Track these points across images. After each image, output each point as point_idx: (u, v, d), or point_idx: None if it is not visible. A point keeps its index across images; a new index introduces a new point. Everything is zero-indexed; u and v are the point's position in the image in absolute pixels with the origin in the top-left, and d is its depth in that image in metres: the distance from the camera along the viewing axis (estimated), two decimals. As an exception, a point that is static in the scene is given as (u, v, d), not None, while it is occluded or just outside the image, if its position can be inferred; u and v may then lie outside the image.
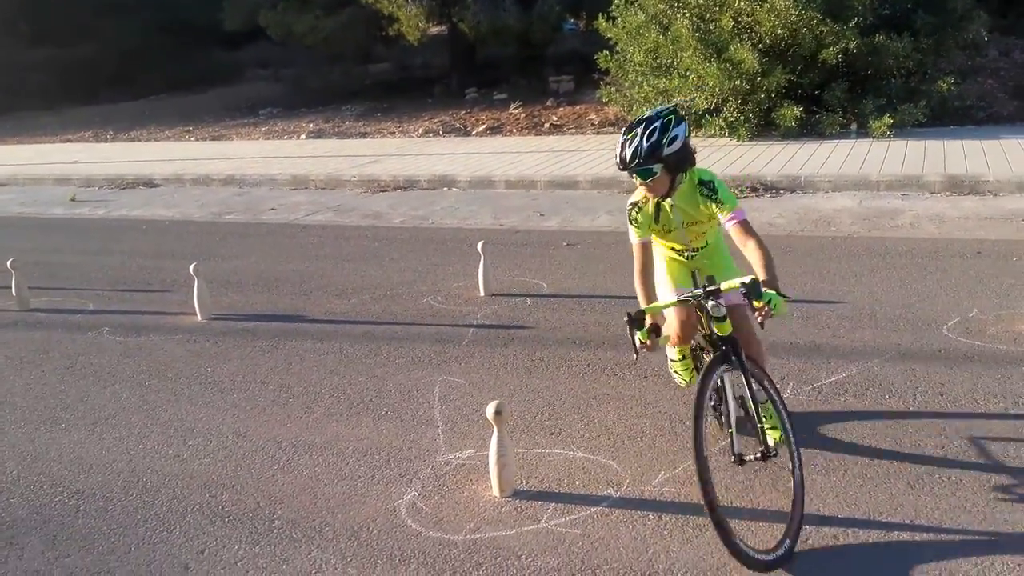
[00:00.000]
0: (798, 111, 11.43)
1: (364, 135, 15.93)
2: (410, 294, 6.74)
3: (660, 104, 12.20)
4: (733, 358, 3.37)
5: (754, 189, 9.48)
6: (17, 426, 4.79)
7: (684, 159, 3.50)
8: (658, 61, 12.39)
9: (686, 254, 3.88)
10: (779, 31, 11.37)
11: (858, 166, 9.75)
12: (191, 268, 6.37)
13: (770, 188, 9.48)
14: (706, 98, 11.81)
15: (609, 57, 12.91)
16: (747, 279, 3.18)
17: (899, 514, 3.39)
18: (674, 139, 3.43)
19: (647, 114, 3.51)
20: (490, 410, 3.61)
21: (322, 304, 6.66)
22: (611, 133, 13.63)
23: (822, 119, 11.61)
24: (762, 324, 3.34)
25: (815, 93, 12.01)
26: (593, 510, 3.60)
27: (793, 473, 3.29)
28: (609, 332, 5.61)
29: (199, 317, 6.44)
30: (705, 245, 3.84)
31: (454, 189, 11.06)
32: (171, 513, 3.78)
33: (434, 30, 18.64)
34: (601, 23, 12.85)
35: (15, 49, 23.89)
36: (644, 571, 3.17)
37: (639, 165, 3.44)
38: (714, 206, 3.54)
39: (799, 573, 3.09)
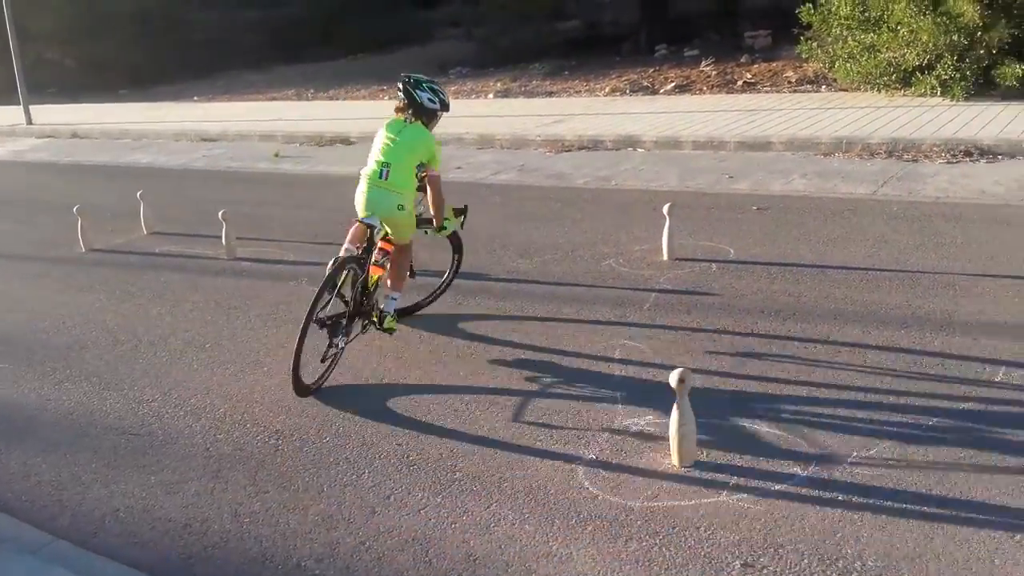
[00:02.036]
0: (1021, 70, 10.39)
1: (550, 94, 15.92)
2: (592, 256, 6.70)
3: (865, 60, 11.63)
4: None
5: (968, 153, 8.73)
6: (225, 367, 5.16)
7: None
8: (866, 14, 11.59)
9: None
10: (1005, -21, 10.35)
11: (1092, 129, 8.78)
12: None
13: (986, 153, 8.70)
14: (918, 54, 10.95)
15: (812, 11, 12.21)
16: None
17: None
18: None
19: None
20: (673, 377, 3.53)
21: (505, 263, 6.74)
22: (809, 91, 12.94)
23: (1050, 78, 10.50)
24: None
25: (1043, 49, 10.88)
26: (778, 487, 3.46)
27: None
28: (800, 303, 5.36)
29: (389, 271, 6.67)
30: None
31: (639, 150, 10.87)
32: (361, 458, 3.96)
33: (625, -15, 18.31)
34: (804, -25, 12.16)
35: (231, 11, 25.57)
36: (831, 555, 3.02)
37: None
38: None
39: None
